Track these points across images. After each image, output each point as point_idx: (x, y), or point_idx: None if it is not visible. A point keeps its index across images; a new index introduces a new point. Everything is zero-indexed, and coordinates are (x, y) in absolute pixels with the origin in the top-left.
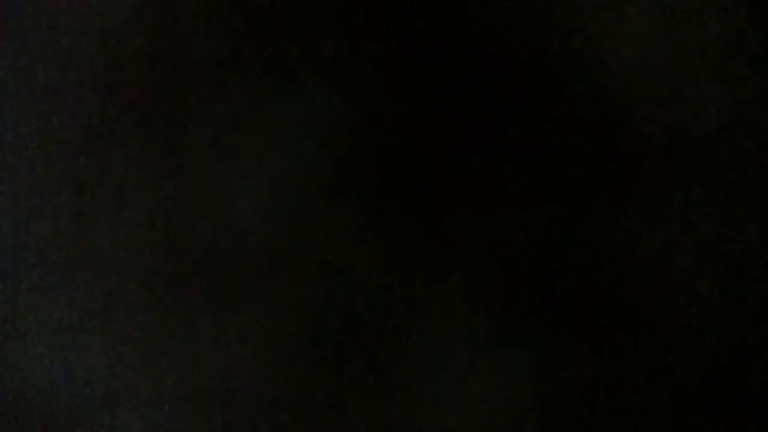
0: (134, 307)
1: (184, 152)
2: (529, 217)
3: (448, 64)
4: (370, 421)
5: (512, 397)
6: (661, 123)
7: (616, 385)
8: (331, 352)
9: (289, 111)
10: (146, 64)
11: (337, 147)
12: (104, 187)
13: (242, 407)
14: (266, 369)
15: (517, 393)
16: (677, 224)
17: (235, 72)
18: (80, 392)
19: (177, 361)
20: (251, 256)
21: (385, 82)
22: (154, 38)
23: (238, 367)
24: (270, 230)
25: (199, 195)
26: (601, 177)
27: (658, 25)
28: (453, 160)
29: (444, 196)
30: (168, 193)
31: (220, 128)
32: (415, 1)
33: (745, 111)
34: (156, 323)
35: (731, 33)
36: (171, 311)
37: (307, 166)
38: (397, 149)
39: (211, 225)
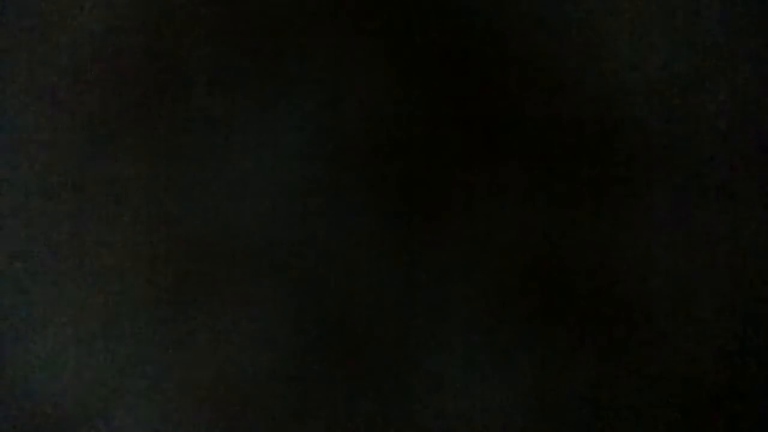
0: (134, 306)
1: (184, 152)
2: (530, 217)
3: (449, 65)
4: (370, 421)
5: (513, 398)
6: (661, 123)
7: (616, 385)
8: (332, 351)
9: (289, 111)
10: (146, 63)
11: (337, 147)
12: (104, 188)
13: (242, 407)
14: (266, 369)
15: (518, 393)
16: (677, 224)
17: (235, 72)
18: (80, 392)
19: (177, 360)
20: (251, 255)
21: (385, 82)
22: (153, 38)
23: (238, 367)
24: (270, 230)
25: (198, 195)
26: (601, 177)
27: (658, 24)
28: (453, 161)
29: (444, 196)
30: (168, 193)
31: (219, 128)
32: (415, 1)
33: (745, 111)
34: (156, 323)
35: (731, 33)
36: (171, 311)
37: (307, 166)
38: (397, 149)
39: (211, 225)
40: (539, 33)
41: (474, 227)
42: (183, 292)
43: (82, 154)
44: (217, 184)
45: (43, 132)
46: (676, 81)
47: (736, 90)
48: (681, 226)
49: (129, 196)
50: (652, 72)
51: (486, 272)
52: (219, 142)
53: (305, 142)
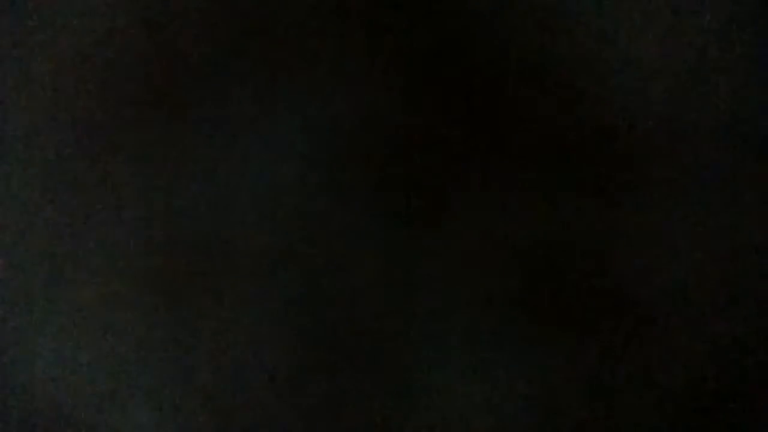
0: (134, 307)
1: (184, 152)
2: (530, 217)
3: (449, 64)
4: (371, 421)
5: (513, 398)
6: (661, 123)
7: (617, 385)
8: (332, 351)
9: (290, 111)
10: (146, 64)
11: (337, 147)
12: (103, 187)
13: (242, 407)
14: (266, 368)
15: (518, 393)
16: (677, 223)
17: (235, 72)
18: (80, 392)
19: (177, 360)
20: (251, 255)
21: (385, 82)
22: (154, 38)
23: (238, 367)
24: (270, 230)
25: (198, 195)
26: (601, 177)
27: (657, 24)
28: (453, 160)
29: (445, 196)
30: (167, 193)
31: (219, 128)
32: (415, 1)
33: (745, 110)
34: (156, 323)
35: (731, 33)
36: (171, 311)
37: (307, 166)
38: (397, 149)
39: (211, 225)
40: (539, 33)
41: (474, 228)
42: (183, 292)
43: (82, 154)
44: (217, 184)
45: (43, 132)
46: (676, 81)
47: (736, 90)
48: (681, 225)
49: (129, 196)
50: (651, 72)
51: (486, 272)
52: (219, 142)
53: (305, 142)
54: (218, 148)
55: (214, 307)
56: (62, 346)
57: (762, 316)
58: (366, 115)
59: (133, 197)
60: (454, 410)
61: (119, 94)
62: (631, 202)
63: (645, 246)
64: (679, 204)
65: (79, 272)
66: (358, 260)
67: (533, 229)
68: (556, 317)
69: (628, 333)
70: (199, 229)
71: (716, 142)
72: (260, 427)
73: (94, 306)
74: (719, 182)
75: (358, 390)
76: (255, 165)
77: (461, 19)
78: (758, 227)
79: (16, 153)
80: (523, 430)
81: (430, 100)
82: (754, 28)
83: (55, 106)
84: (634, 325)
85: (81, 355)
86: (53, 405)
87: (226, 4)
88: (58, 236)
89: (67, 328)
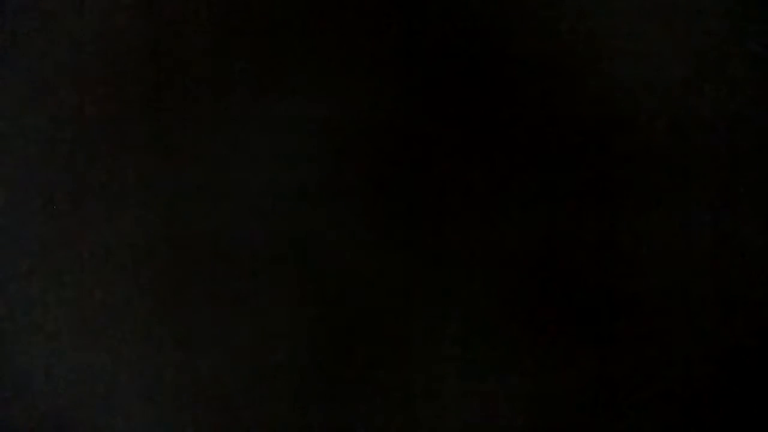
0: (134, 307)
1: (184, 152)
2: (529, 218)
3: (448, 64)
4: (369, 424)
5: (511, 398)
6: (660, 123)
7: (616, 387)
8: (331, 354)
9: (289, 111)
10: (146, 63)
11: (337, 147)
12: (104, 187)
13: (242, 408)
14: (266, 370)
15: (518, 394)
16: (677, 224)
17: (235, 71)
18: (80, 392)
19: (177, 361)
20: (251, 256)
21: (384, 82)
22: (153, 38)
23: (237, 368)
24: (270, 231)
25: (198, 195)
26: (601, 177)
27: (658, 24)
28: (453, 161)
29: (444, 196)
30: (168, 193)
31: (219, 128)
32: (414, 1)
33: (744, 110)
34: (156, 323)
35: (731, 33)
36: (171, 311)
37: (306, 167)
38: (396, 150)
39: (211, 225)
40: (539, 33)
41: (474, 227)
42: (183, 292)
43: (82, 154)
44: (218, 184)
45: (43, 132)
46: (675, 81)
47: (735, 90)
48: (681, 226)
49: (129, 196)
50: (652, 72)
51: (486, 273)
52: (219, 142)
53: (306, 142)
54: (218, 147)
55: (215, 307)
56: (62, 347)
57: (762, 316)
58: (366, 114)
59: (133, 197)
60: (453, 410)
61: (119, 94)
62: (631, 201)
63: (645, 246)
64: (679, 204)
65: (79, 273)
66: (359, 261)
67: (533, 229)
68: (554, 317)
69: (627, 333)
70: (199, 229)
71: (716, 141)
72: (261, 426)
73: (94, 306)
74: (719, 182)
75: (357, 393)
76: (255, 165)
77: (461, 20)
78: (758, 227)
79: (16, 153)
80: (522, 430)
81: (430, 100)
82: (755, 29)
83: (55, 105)
84: (634, 325)
85: (81, 356)
86: (52, 405)
87: (226, 4)
88: (57, 236)
89: (67, 329)
